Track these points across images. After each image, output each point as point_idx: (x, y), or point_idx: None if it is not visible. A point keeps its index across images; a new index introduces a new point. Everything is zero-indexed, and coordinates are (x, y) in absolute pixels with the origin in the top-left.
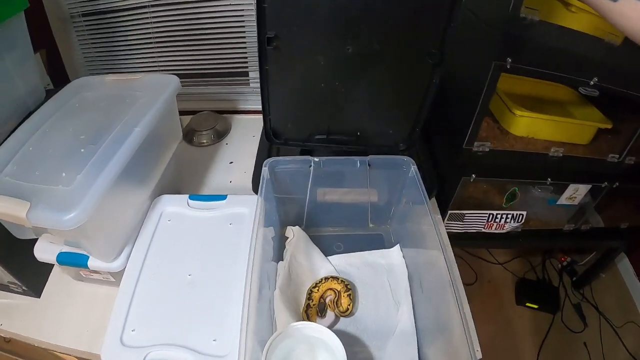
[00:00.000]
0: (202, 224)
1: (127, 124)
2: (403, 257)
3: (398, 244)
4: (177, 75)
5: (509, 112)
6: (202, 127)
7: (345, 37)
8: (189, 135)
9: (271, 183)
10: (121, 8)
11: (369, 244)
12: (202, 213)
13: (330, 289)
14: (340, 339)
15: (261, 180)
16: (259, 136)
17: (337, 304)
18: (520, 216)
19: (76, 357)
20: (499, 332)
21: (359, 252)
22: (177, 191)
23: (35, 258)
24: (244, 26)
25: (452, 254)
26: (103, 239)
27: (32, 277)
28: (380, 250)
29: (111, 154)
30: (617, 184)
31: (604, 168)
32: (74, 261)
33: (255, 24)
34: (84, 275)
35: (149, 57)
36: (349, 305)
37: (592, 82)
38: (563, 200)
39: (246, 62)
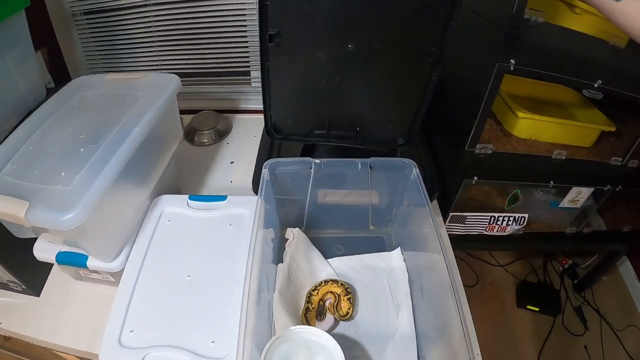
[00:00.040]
0: (202, 225)
1: (126, 124)
2: (404, 260)
3: (399, 247)
4: (179, 74)
5: (511, 114)
6: (203, 126)
7: (346, 36)
8: (190, 135)
9: (271, 184)
10: (123, 6)
11: (370, 246)
12: (201, 214)
13: (330, 292)
14: (339, 343)
15: (261, 181)
16: (260, 136)
17: (336, 308)
18: (522, 219)
19: (75, 356)
20: (499, 334)
21: (359, 255)
22: (177, 191)
23: (35, 257)
24: (245, 25)
25: (453, 257)
26: (102, 239)
27: (32, 276)
28: (381, 253)
29: (110, 154)
30: (620, 187)
31: (607, 171)
32: (73, 261)
33: (257, 21)
34: (83, 275)
35: (150, 56)
36: (349, 309)
37: (596, 85)
38: (565, 203)
39: (248, 62)
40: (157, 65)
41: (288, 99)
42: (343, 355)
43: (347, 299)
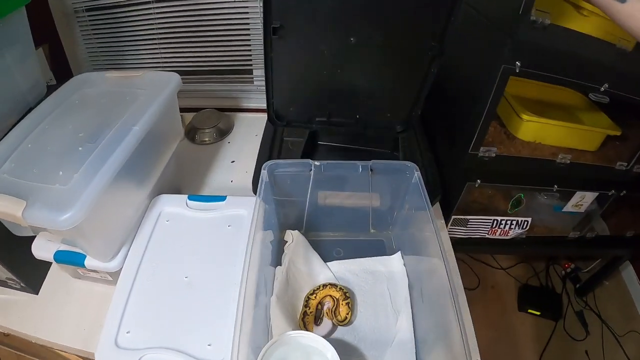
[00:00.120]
0: (201, 225)
1: (126, 123)
2: (404, 264)
3: (399, 251)
4: (181, 71)
5: (516, 116)
6: (205, 125)
7: (348, 30)
8: (191, 133)
9: (270, 186)
10: (125, 3)
11: (370, 250)
12: (200, 214)
13: (329, 296)
14: (337, 348)
15: (259, 183)
16: (262, 135)
17: (335, 312)
18: (525, 222)
19: (73, 355)
20: (500, 338)
21: (359, 259)
22: (177, 190)
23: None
24: (248, 24)
25: (455, 262)
26: (99, 239)
27: (30, 274)
28: (381, 257)
29: (109, 153)
30: (625, 192)
31: (612, 176)
32: (71, 260)
33: (260, 19)
34: (82, 273)
35: (152, 53)
36: (348, 314)
37: (602, 88)
38: (569, 207)
39: (250, 60)
40: (159, 62)
41: (290, 88)
42: None
43: (346, 303)
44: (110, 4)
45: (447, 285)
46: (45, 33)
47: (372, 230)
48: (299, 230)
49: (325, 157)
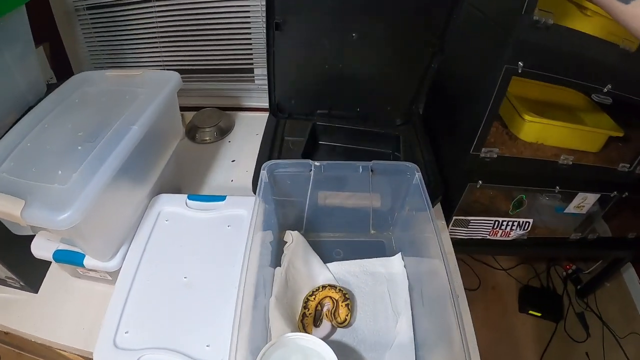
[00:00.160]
0: (200, 225)
1: (125, 122)
2: (404, 266)
3: (400, 253)
4: (182, 70)
5: (518, 117)
6: (205, 124)
7: (350, 26)
8: (191, 132)
9: (270, 186)
10: (126, 2)
11: (370, 251)
12: (200, 214)
13: (328, 297)
14: (336, 350)
15: (259, 183)
16: (262, 134)
17: (334, 314)
18: (527, 224)
19: (73, 354)
20: (500, 339)
21: (358, 260)
22: (177, 189)
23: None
24: (249, 22)
25: (456, 264)
26: (98, 238)
27: (30, 273)
28: (381, 258)
29: (108, 152)
30: (627, 193)
31: (614, 177)
32: (70, 259)
33: (261, 14)
34: (81, 273)
35: (153, 52)
36: (347, 315)
37: (605, 89)
38: (571, 208)
39: (251, 59)
40: (160, 61)
41: (292, 81)
42: None
43: (346, 305)
44: (111, 2)
45: (447, 288)
46: (46, 31)
47: (372, 231)
48: (299, 231)
49: (326, 157)
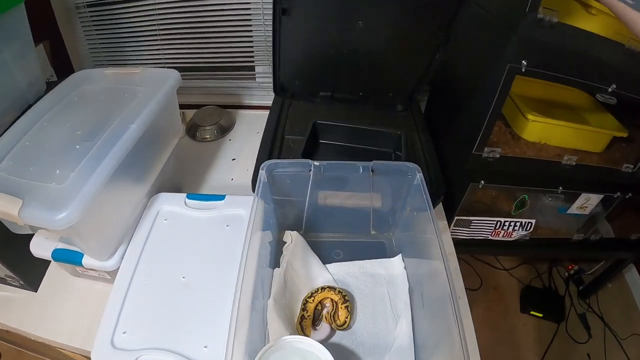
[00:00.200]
0: (199, 225)
1: (123, 121)
2: (404, 267)
3: (400, 254)
4: (182, 68)
5: (521, 116)
6: (206, 122)
7: (357, 13)
8: (192, 130)
9: (269, 186)
10: None
11: (370, 252)
12: (199, 213)
13: (327, 298)
14: (334, 353)
15: (257, 183)
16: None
17: (334, 317)
18: (529, 224)
19: (72, 352)
20: (501, 339)
21: (358, 261)
22: (177, 188)
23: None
24: (250, 20)
25: (457, 265)
26: (96, 238)
27: (29, 272)
28: (381, 259)
29: (105, 151)
30: (630, 194)
31: (618, 178)
32: (69, 258)
33: (261, 16)
34: (80, 272)
35: (154, 49)
36: (347, 317)
37: (610, 89)
38: (574, 209)
39: (252, 57)
40: (161, 58)
41: (296, 63)
42: None
43: (345, 307)
44: (112, 0)
45: (447, 290)
46: (46, 29)
47: (372, 232)
48: (298, 231)
49: (327, 155)
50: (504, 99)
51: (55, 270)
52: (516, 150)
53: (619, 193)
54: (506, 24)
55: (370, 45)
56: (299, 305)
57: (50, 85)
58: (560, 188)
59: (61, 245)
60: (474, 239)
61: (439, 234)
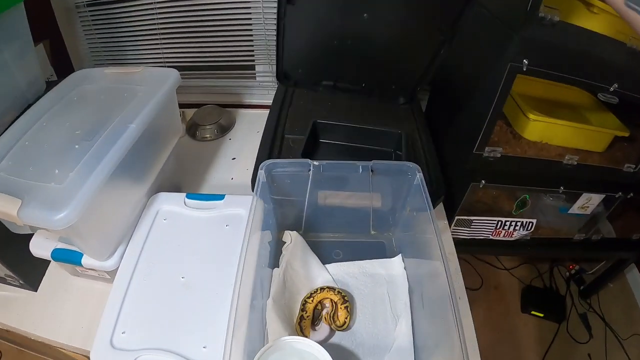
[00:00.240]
0: (199, 224)
1: (123, 120)
2: (404, 268)
3: (400, 254)
4: (182, 67)
5: (522, 115)
6: (206, 121)
7: (362, 5)
8: (192, 130)
9: (268, 185)
10: None
11: (370, 252)
12: (198, 213)
13: (327, 299)
14: (333, 354)
15: (256, 183)
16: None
17: (333, 318)
18: (530, 224)
19: (72, 352)
20: (502, 339)
21: (358, 261)
22: (176, 187)
23: None
24: (250, 19)
25: (457, 265)
26: (96, 238)
27: (29, 271)
28: (381, 259)
29: (105, 151)
30: (632, 194)
31: (619, 178)
32: (69, 258)
33: (261, 15)
34: (80, 271)
35: (154, 49)
36: (347, 318)
37: (611, 89)
38: (575, 209)
39: (252, 56)
40: (161, 57)
41: (300, 52)
42: None
43: (345, 307)
44: None
45: (447, 291)
46: (46, 29)
47: (372, 232)
48: (298, 231)
49: (327, 155)
50: (505, 98)
51: (55, 270)
52: (517, 150)
53: (620, 193)
54: (507, 23)
55: (374, 37)
56: (298, 306)
57: (50, 85)
58: (562, 188)
59: (61, 245)
60: (474, 238)
61: (438, 234)
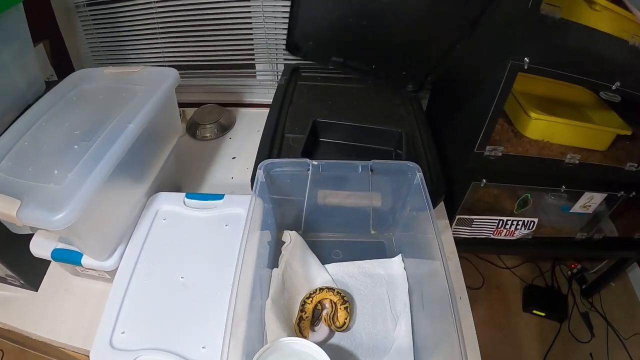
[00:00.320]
0: (198, 224)
1: (122, 120)
2: (404, 268)
3: (400, 254)
4: (182, 66)
5: (524, 114)
6: (206, 120)
7: None
8: (192, 129)
9: (267, 185)
10: None
11: (370, 252)
12: (198, 212)
13: (326, 299)
14: (332, 355)
15: (255, 182)
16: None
17: (333, 318)
18: (532, 223)
19: (72, 351)
20: (503, 339)
21: (358, 261)
22: (176, 187)
23: None
24: (250, 17)
25: (458, 265)
26: (95, 238)
27: (30, 271)
28: (381, 259)
29: (103, 151)
30: (634, 193)
31: (621, 176)
32: (68, 258)
33: (261, 15)
34: (80, 271)
35: (154, 48)
36: (346, 319)
37: (614, 87)
38: (577, 208)
39: (252, 54)
40: (161, 57)
41: (313, 25)
42: None
43: (344, 308)
44: None
45: (447, 292)
46: (46, 28)
47: (372, 232)
48: (297, 231)
49: (327, 154)
50: (506, 97)
51: (55, 270)
52: (518, 149)
53: (622, 192)
54: (508, 21)
55: (392, 21)
56: (297, 306)
57: (50, 85)
58: (563, 187)
59: (60, 245)
60: (476, 237)
61: (438, 234)
